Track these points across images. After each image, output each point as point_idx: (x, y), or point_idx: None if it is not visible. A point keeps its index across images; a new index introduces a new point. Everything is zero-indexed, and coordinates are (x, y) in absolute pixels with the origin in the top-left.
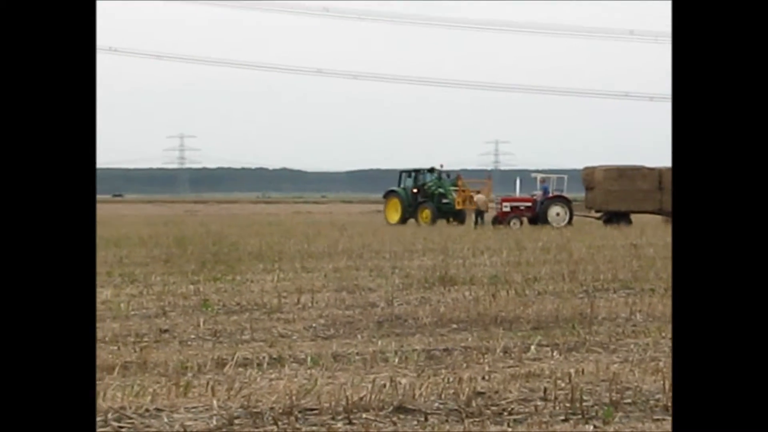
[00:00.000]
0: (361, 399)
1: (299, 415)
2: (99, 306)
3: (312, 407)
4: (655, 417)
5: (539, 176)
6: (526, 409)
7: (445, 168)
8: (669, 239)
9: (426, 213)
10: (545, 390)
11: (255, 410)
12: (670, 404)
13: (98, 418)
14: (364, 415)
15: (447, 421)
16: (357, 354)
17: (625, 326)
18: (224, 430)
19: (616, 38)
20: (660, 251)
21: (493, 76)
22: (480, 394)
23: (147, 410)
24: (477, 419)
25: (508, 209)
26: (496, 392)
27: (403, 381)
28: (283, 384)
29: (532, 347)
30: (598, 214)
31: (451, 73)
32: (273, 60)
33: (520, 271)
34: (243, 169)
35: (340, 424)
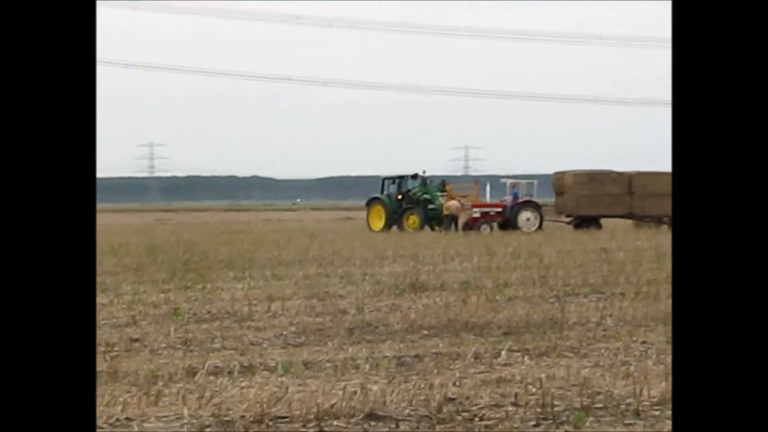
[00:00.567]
0: (332, 406)
1: (270, 423)
2: None
3: (283, 415)
4: (626, 421)
5: (509, 182)
6: (497, 415)
7: (427, 174)
8: (639, 243)
9: (413, 219)
10: (516, 395)
11: (226, 419)
12: (640, 408)
13: None
14: (335, 423)
15: (418, 427)
16: (328, 361)
17: (596, 331)
18: None
19: (585, 43)
20: (630, 255)
21: (463, 81)
22: (451, 400)
23: (118, 420)
24: (448, 425)
25: (478, 215)
26: (467, 398)
27: (374, 388)
28: (254, 392)
29: (503, 352)
30: (569, 219)
31: (421, 79)
32: (243, 68)
33: (491, 276)
34: (213, 177)
35: None
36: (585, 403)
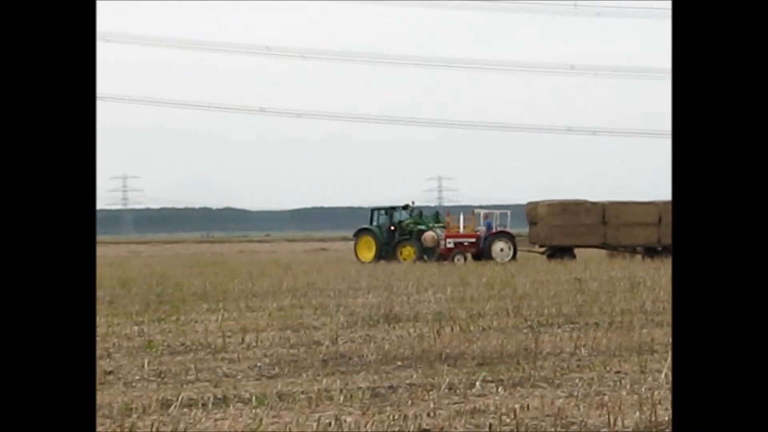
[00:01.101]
0: None
1: None
2: None
3: None
4: None
5: (482, 212)
6: None
7: (411, 205)
8: (613, 273)
9: (408, 250)
10: (490, 426)
11: None
12: None
13: None
14: None
15: None
16: (302, 393)
17: (570, 361)
18: None
19: (557, 73)
20: (604, 285)
21: (436, 112)
22: (425, 431)
23: None
24: None
25: (451, 245)
26: (442, 429)
27: (349, 419)
28: (228, 424)
29: (477, 383)
30: (542, 249)
31: (394, 110)
32: (215, 99)
33: (465, 307)
34: (186, 208)
35: None
36: None
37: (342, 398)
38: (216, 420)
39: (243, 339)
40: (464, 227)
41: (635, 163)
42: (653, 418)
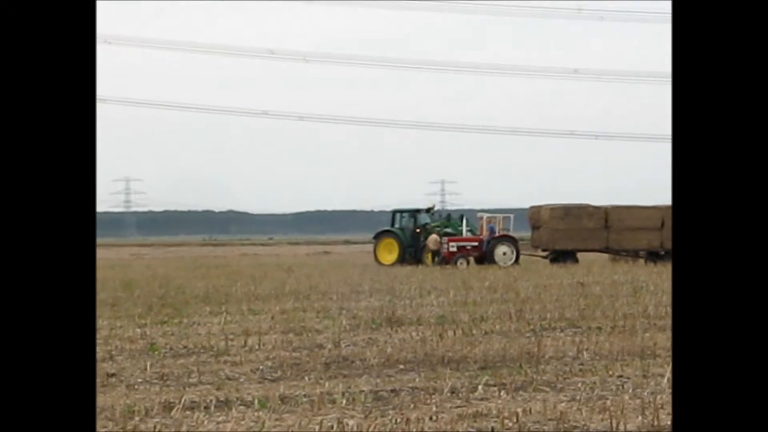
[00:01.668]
0: None
1: None
2: None
3: None
4: None
5: (485, 216)
6: None
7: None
8: (615, 277)
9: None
10: (493, 430)
11: None
12: None
13: None
14: None
15: None
16: (304, 396)
17: (573, 365)
18: None
19: (560, 77)
20: (606, 289)
21: (439, 115)
22: None
23: None
24: None
25: (454, 249)
26: None
27: (351, 422)
28: (231, 427)
29: (480, 387)
30: (545, 253)
31: (397, 113)
32: (218, 102)
33: (467, 310)
34: (189, 211)
35: None
36: None
37: (344, 401)
38: (218, 423)
39: (245, 342)
40: (499, 230)
41: (638, 168)
42: (655, 423)
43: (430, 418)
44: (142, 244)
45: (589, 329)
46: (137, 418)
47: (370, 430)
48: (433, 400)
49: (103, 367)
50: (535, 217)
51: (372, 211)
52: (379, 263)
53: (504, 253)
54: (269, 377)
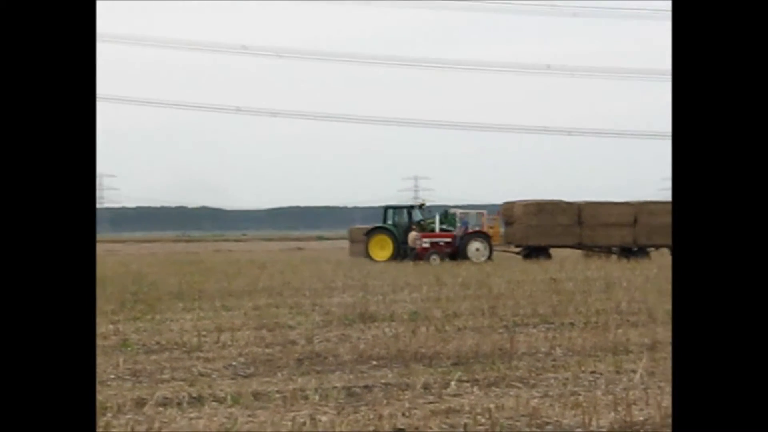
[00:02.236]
0: None
1: None
2: None
3: None
4: None
5: (458, 212)
6: None
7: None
8: (588, 273)
9: None
10: (465, 426)
11: None
12: None
13: None
14: None
15: None
16: (277, 392)
17: (545, 361)
18: None
19: (533, 73)
20: (579, 285)
21: (412, 111)
22: (400, 430)
23: None
24: None
25: (427, 245)
26: (417, 428)
27: (324, 419)
28: (203, 423)
29: (452, 383)
30: (518, 249)
31: (369, 110)
32: (191, 98)
33: (440, 306)
34: (162, 207)
35: None
36: None
37: (317, 397)
38: (191, 419)
39: (218, 338)
40: (492, 227)
41: (611, 164)
42: (628, 419)
43: (403, 414)
44: (115, 241)
45: (562, 325)
46: (109, 414)
47: (343, 426)
48: (406, 396)
49: None
50: (508, 213)
51: (345, 207)
52: (372, 260)
53: (477, 249)
54: (242, 373)
